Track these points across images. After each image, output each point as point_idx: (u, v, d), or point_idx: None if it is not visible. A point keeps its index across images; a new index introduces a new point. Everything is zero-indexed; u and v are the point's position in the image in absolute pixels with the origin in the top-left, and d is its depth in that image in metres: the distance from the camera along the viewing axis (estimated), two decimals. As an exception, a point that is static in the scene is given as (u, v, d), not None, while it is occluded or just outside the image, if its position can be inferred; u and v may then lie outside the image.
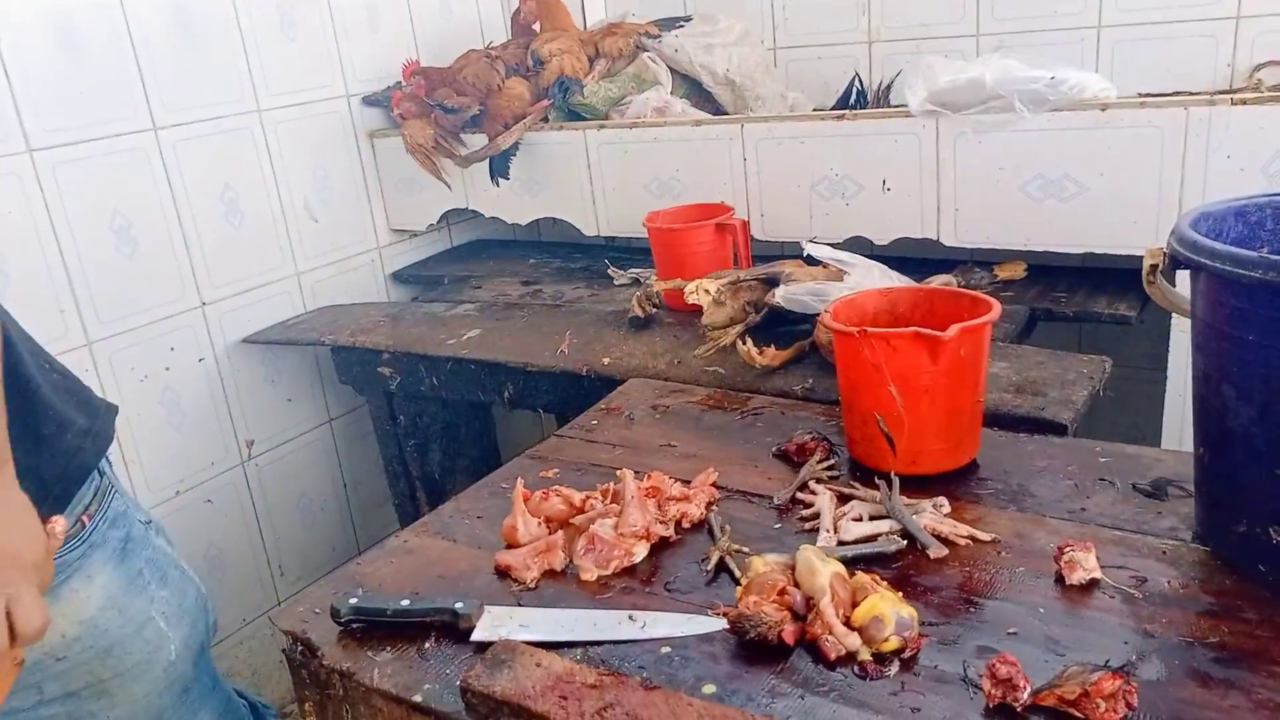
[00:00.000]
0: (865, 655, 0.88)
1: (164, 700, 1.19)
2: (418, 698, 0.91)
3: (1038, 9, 2.17)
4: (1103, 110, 1.60)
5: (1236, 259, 0.85)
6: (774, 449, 1.31)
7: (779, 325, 1.69)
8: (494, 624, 0.98)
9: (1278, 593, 0.91)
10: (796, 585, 0.95)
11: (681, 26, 2.36)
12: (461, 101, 2.24)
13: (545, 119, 2.25)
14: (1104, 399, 1.50)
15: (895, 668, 0.88)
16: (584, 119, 2.23)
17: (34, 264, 1.83)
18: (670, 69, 2.32)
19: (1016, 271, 1.86)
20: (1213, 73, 2.03)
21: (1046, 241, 1.72)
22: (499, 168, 2.25)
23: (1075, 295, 1.77)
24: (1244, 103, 1.50)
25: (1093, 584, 0.96)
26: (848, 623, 0.90)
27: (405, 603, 1.00)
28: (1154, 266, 0.97)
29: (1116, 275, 1.79)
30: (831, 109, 2.30)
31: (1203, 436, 0.98)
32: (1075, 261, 1.88)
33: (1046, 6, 2.16)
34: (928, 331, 1.12)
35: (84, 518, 1.10)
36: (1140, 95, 2.03)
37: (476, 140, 2.29)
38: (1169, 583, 0.95)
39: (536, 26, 2.46)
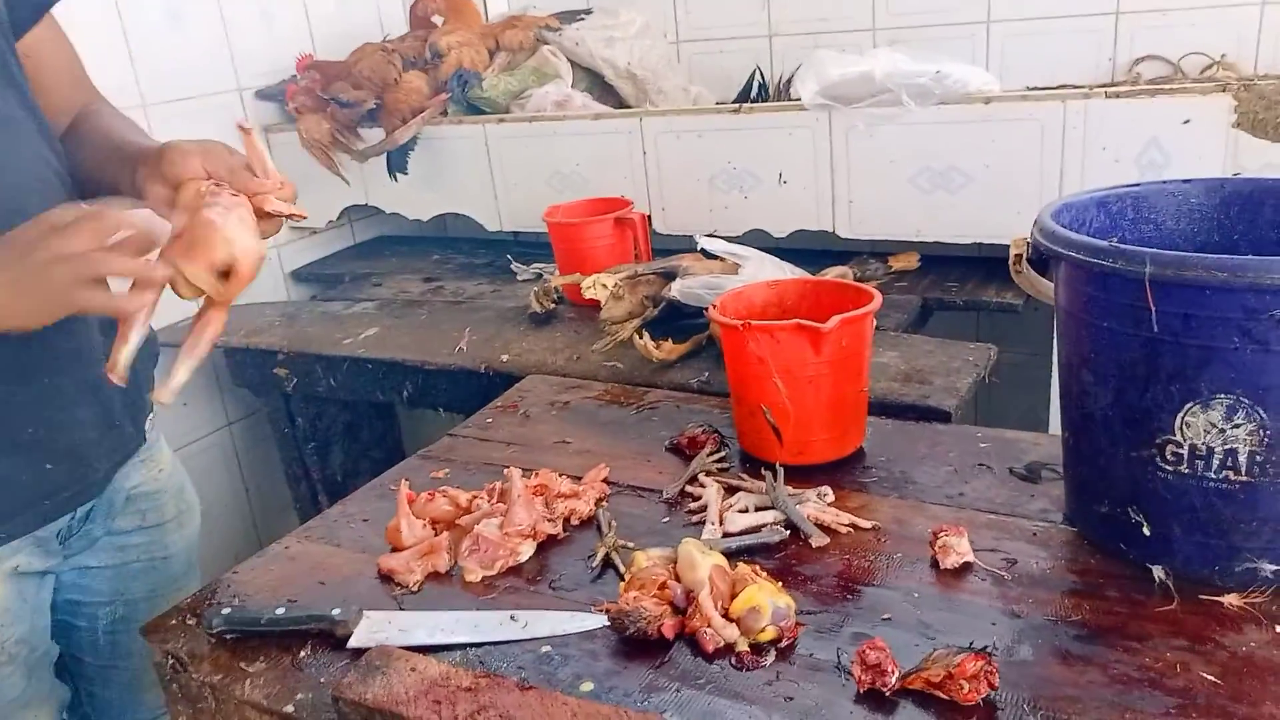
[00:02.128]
0: (743, 646, 0.89)
1: (195, 547, 1.37)
2: (289, 708, 0.89)
3: (931, 4, 2.22)
4: (986, 104, 1.64)
5: (1091, 248, 0.87)
6: (667, 443, 1.31)
7: (679, 319, 1.70)
8: (372, 630, 0.96)
9: (1136, 571, 0.94)
10: (677, 579, 0.96)
11: (582, 20, 2.35)
12: (357, 95, 2.20)
13: (444, 113, 2.21)
14: (1000, 385, 1.54)
15: (771, 657, 0.88)
16: (484, 113, 2.21)
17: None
18: (571, 62, 2.30)
19: (910, 262, 1.90)
20: (1095, 67, 2.10)
21: (937, 232, 1.76)
22: (397, 163, 2.21)
23: (966, 285, 1.82)
24: (1118, 96, 1.55)
25: (966, 567, 0.98)
26: (726, 615, 0.91)
27: (280, 611, 0.98)
28: (1019, 256, 1.00)
29: (1005, 265, 1.83)
30: (732, 102, 2.31)
31: (1067, 420, 1.01)
32: (969, 252, 1.93)
33: (939, 3, 2.21)
34: (809, 323, 1.13)
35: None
36: (1027, 89, 2.09)
37: (374, 135, 2.24)
38: (1037, 564, 0.98)
39: (436, 19, 2.42)
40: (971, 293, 1.79)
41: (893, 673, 0.82)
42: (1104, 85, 1.89)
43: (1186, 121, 1.50)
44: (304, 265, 2.48)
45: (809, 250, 1.94)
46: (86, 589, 1.23)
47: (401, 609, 1.01)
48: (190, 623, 1.02)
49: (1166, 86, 1.53)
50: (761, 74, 2.37)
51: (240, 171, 0.99)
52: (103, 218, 0.88)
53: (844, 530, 1.07)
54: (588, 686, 0.87)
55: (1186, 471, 0.88)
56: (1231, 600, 0.89)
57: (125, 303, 0.89)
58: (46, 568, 1.14)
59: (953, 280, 1.84)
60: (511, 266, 2.20)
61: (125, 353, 0.92)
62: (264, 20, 2.33)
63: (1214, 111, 1.50)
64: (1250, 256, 0.79)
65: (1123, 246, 0.84)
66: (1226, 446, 0.86)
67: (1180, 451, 0.88)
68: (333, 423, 2.20)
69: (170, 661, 0.98)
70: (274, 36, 2.37)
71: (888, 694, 0.82)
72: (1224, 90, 1.48)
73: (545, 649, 0.92)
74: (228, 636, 0.98)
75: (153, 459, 1.26)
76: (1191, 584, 0.91)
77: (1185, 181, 1.06)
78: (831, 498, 1.13)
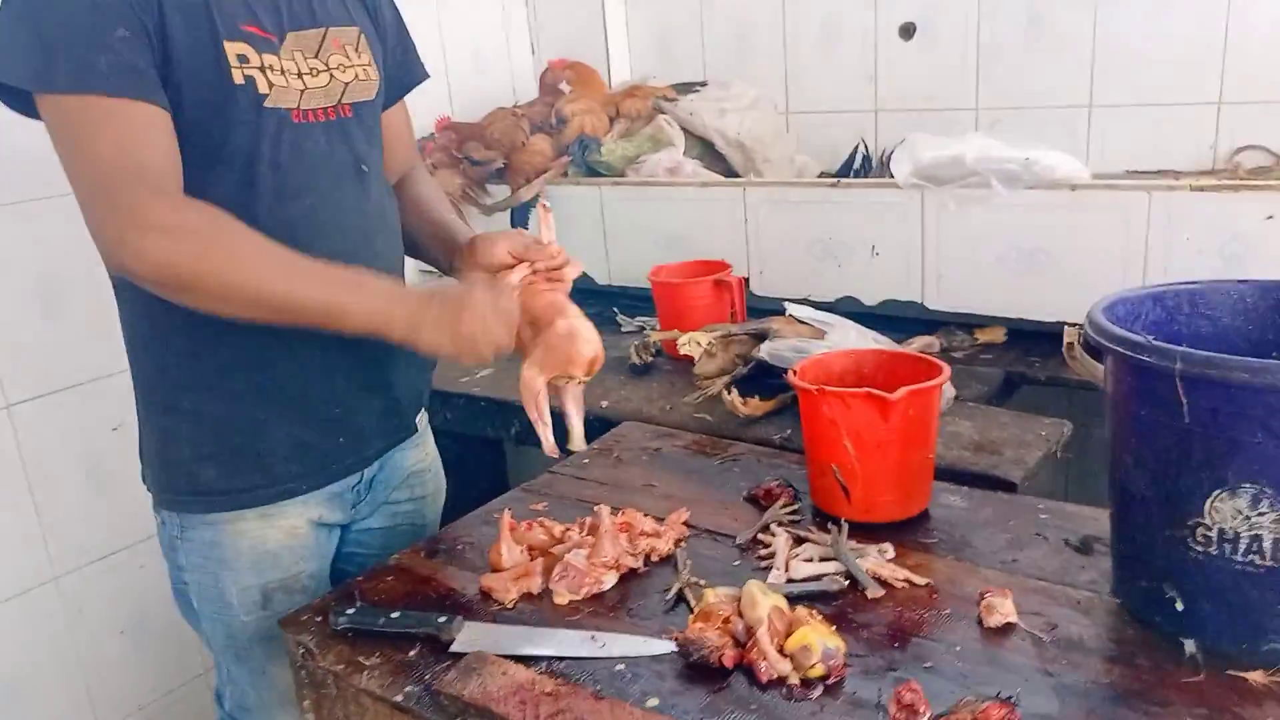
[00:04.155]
0: (794, 679, 0.99)
1: (439, 520, 1.60)
2: (398, 698, 1.03)
3: (1034, 86, 2.30)
4: (1072, 190, 1.72)
5: (1129, 343, 0.96)
6: (745, 493, 1.42)
7: (767, 378, 1.81)
8: (471, 637, 1.10)
9: (1170, 643, 1.01)
10: (740, 615, 1.07)
11: (697, 91, 2.52)
12: (488, 155, 2.41)
13: (565, 174, 2.40)
14: (1091, 460, 1.59)
15: (819, 691, 0.98)
16: (601, 175, 2.39)
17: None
18: (685, 131, 2.47)
19: (997, 336, 1.96)
20: (1196, 153, 2.14)
21: (1021, 309, 1.84)
22: (519, 218, 2.41)
23: (1049, 361, 1.87)
24: (1202, 189, 1.61)
25: (1008, 627, 1.06)
26: (781, 650, 1.02)
27: (395, 615, 1.13)
28: (1070, 344, 1.09)
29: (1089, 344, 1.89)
30: (836, 174, 2.44)
31: (1112, 498, 1.09)
32: (1056, 329, 1.99)
33: (1042, 84, 2.29)
34: (878, 393, 1.24)
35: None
36: (1127, 171, 2.15)
37: (500, 191, 2.45)
38: (1077, 629, 1.05)
39: (563, 86, 2.63)
40: (1054, 369, 1.84)
41: (924, 713, 0.91)
42: (1199, 173, 1.94)
43: (1269, 217, 1.55)
44: (429, 306, 2.69)
45: (898, 318, 2.03)
46: (365, 544, 1.47)
47: (497, 622, 1.15)
48: (319, 620, 1.19)
49: (1250, 183, 1.59)
50: (866, 146, 2.49)
51: (532, 247, 1.30)
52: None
53: (899, 585, 1.16)
54: (653, 702, 0.99)
55: (1215, 553, 0.95)
56: (1256, 677, 0.95)
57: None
58: (336, 521, 1.39)
59: (1036, 356, 1.89)
60: (617, 318, 2.36)
61: (578, 425, 1.31)
62: (410, 83, 2.58)
63: (1298, 208, 1.54)
64: (1271, 360, 0.87)
65: (1156, 343, 0.93)
66: (1252, 532, 0.93)
67: (1210, 534, 0.95)
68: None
69: (301, 650, 1.15)
70: (417, 96, 2.61)
71: (919, 732, 0.91)
72: (1309, 188, 1.52)
73: (619, 667, 1.05)
74: (349, 634, 1.14)
75: (423, 444, 1.54)
76: (1220, 659, 0.97)
77: (1241, 282, 1.13)
78: (891, 554, 1.22)
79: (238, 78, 1.15)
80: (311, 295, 1.14)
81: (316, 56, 1.24)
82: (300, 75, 1.21)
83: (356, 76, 1.28)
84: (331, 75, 1.25)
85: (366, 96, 1.31)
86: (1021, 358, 1.90)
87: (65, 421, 1.94)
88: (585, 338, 1.27)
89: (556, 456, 1.31)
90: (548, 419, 1.31)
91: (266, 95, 1.17)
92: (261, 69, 1.17)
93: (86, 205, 1.12)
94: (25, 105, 1.12)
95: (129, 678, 2.10)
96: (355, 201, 1.28)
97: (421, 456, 1.53)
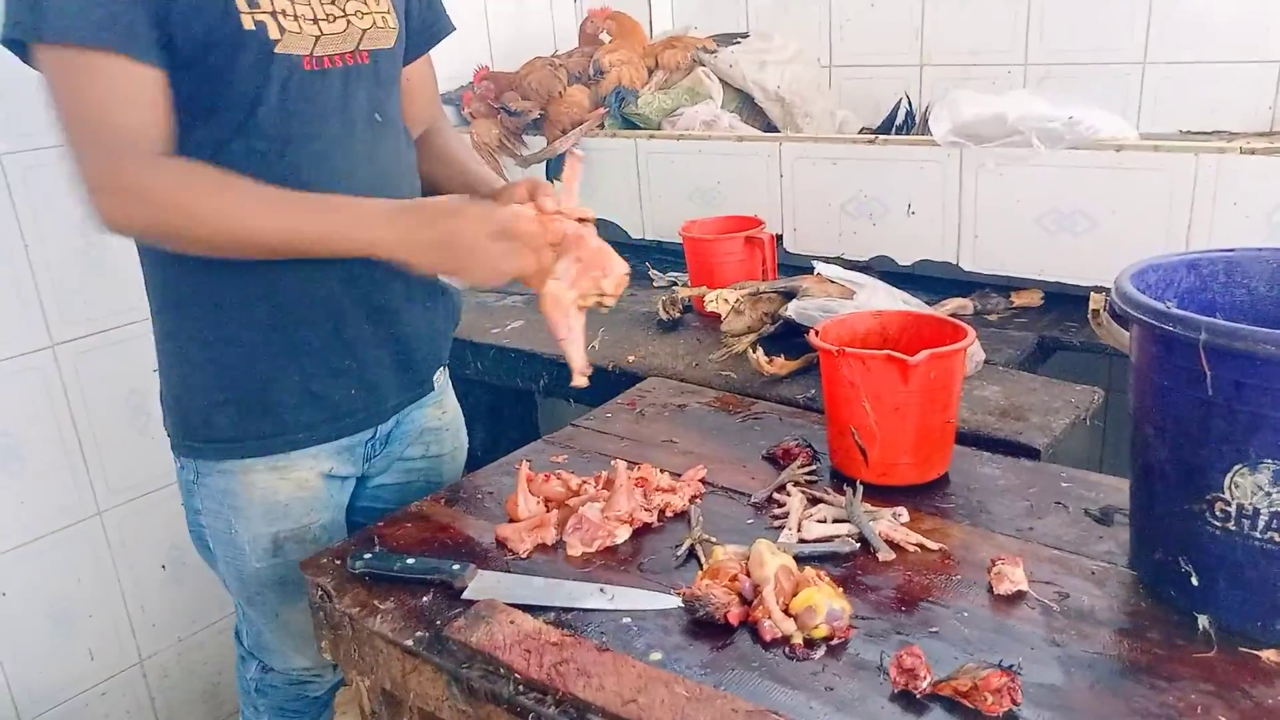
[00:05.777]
0: (797, 639, 1.00)
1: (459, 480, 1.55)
2: (409, 642, 1.06)
3: (1085, 42, 2.22)
4: (1117, 151, 1.67)
5: (1155, 312, 0.94)
6: (764, 452, 1.42)
7: (795, 337, 1.79)
8: (483, 586, 1.12)
9: (1184, 618, 0.99)
10: (748, 574, 1.07)
11: (738, 43, 2.47)
12: (524, 106, 2.40)
13: (601, 126, 2.38)
14: (1104, 428, 1.56)
15: (821, 652, 0.99)
16: (637, 128, 2.36)
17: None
18: (724, 83, 2.43)
19: (1033, 299, 1.92)
20: (1254, 113, 2.06)
21: (1058, 273, 1.79)
22: (554, 169, 2.39)
23: (1086, 326, 1.82)
24: (1253, 152, 1.55)
25: (1019, 595, 1.05)
26: (786, 610, 1.02)
27: (410, 561, 1.15)
28: (1095, 311, 1.06)
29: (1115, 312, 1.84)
30: (877, 129, 2.39)
31: (1132, 469, 1.06)
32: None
33: (1094, 40, 2.21)
34: (898, 355, 1.22)
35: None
36: (1180, 131, 2.08)
37: (537, 142, 2.44)
38: (1089, 600, 1.04)
39: (604, 36, 2.59)
40: (1090, 335, 1.79)
41: (925, 678, 0.91)
42: (1254, 135, 1.87)
43: (1323, 183, 1.49)
44: (465, 256, 2.70)
45: (933, 279, 2.00)
46: (381, 499, 1.49)
47: (510, 571, 1.17)
48: (338, 564, 1.21)
49: (1305, 146, 1.52)
50: (909, 102, 2.43)
51: (549, 195, 1.26)
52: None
53: (911, 549, 1.15)
54: (656, 656, 1.00)
55: (1234, 529, 0.93)
56: (1269, 655, 0.93)
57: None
58: (348, 474, 1.41)
59: (1073, 320, 1.85)
60: (649, 273, 2.35)
61: (576, 351, 1.23)
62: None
63: (1354, 174, 1.48)
64: (1301, 333, 0.84)
65: (1181, 313, 0.90)
66: (1272, 509, 0.90)
67: (1228, 509, 0.93)
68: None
69: (319, 592, 1.18)
70: (456, 44, 2.58)
71: (918, 696, 0.91)
72: (1366, 153, 1.46)
73: (626, 620, 1.06)
74: (367, 578, 1.17)
75: (440, 402, 1.53)
76: (1233, 636, 0.96)
77: (1281, 250, 1.09)
78: (906, 518, 1.21)
79: (248, 23, 1.12)
80: (290, 228, 1.13)
81: (333, 3, 1.22)
82: (316, 21, 1.19)
83: (374, 24, 1.26)
84: (349, 21, 1.23)
85: (385, 45, 1.29)
86: (1058, 322, 1.86)
87: (109, 361, 1.99)
88: (617, 255, 1.27)
89: (586, 385, 1.24)
90: (578, 334, 1.24)
91: (277, 41, 1.15)
92: (273, 14, 1.14)
93: (70, 161, 1.11)
94: (28, 56, 1.10)
95: (168, 610, 2.18)
96: (367, 149, 1.27)
97: (439, 414, 1.52)
